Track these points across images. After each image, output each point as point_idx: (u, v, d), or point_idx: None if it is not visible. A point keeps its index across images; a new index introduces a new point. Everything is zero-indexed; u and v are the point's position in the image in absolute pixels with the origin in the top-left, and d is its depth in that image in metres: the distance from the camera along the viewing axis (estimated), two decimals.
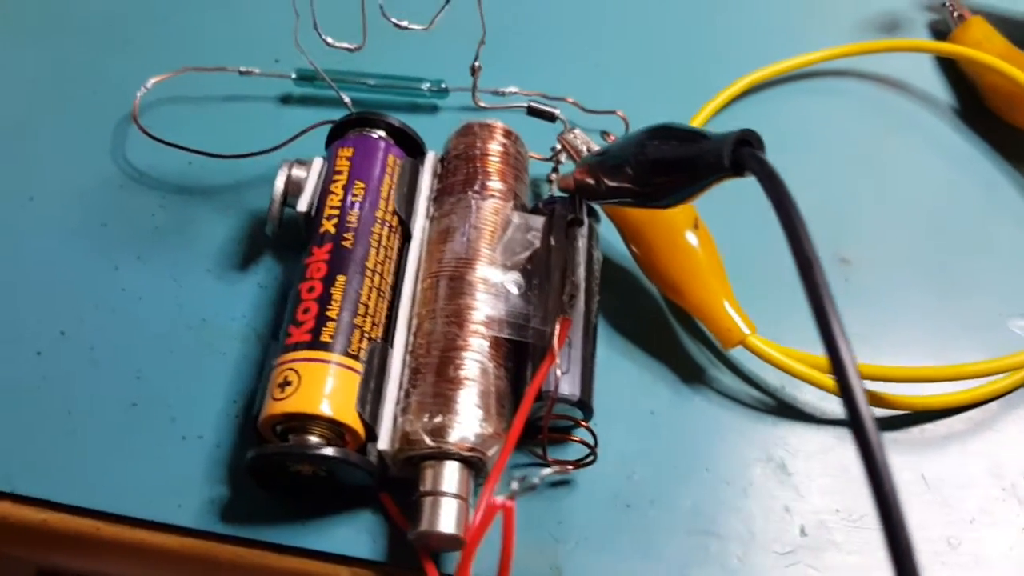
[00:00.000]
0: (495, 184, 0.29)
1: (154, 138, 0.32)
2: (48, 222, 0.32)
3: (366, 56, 0.30)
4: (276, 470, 0.25)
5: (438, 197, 0.30)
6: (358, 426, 0.25)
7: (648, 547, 0.26)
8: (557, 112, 0.31)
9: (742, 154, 0.21)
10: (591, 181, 0.27)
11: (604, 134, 0.34)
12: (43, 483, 0.26)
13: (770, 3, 0.40)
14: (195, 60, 0.34)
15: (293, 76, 0.34)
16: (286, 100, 0.35)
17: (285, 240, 0.30)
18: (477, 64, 0.30)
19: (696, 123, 0.34)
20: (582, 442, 0.27)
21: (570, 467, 0.27)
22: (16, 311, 0.29)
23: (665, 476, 0.27)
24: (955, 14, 0.37)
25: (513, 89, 0.35)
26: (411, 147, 0.31)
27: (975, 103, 0.36)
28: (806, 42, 0.37)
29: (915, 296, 0.31)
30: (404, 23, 0.28)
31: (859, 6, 0.39)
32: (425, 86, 0.34)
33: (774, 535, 0.26)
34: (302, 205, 0.29)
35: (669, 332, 0.30)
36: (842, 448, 0.28)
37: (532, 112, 0.31)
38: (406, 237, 0.29)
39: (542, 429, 0.26)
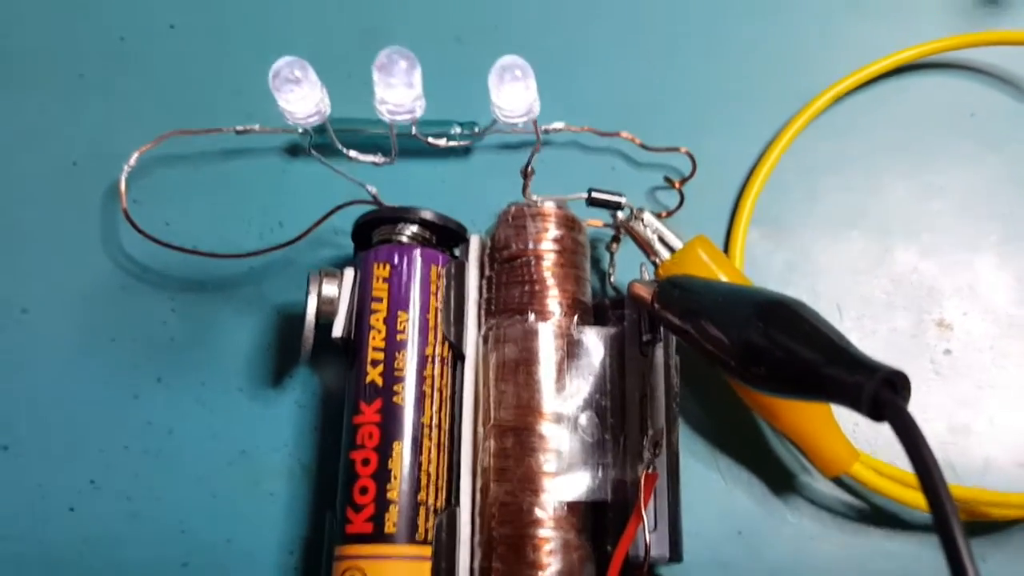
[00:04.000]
0: (554, 297, 0.25)
1: (147, 236, 0.28)
2: (48, 339, 0.28)
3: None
4: None
5: (489, 308, 0.26)
6: None
7: None
8: (623, 200, 0.26)
9: (884, 401, 0.18)
10: (671, 317, 0.23)
11: (668, 181, 0.29)
12: None
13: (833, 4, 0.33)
14: (185, 118, 0.29)
15: (300, 130, 0.29)
16: (294, 152, 0.30)
17: (320, 348, 0.27)
18: (530, 169, 0.25)
19: (783, 139, 0.29)
20: None
21: None
22: (34, 457, 0.27)
23: None
24: None
25: (559, 125, 0.29)
26: (452, 236, 0.27)
27: None
28: (890, 38, 0.31)
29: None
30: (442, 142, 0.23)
31: None
32: (456, 130, 0.29)
33: None
34: (337, 331, 0.25)
35: (751, 430, 0.27)
36: None
37: (594, 203, 0.26)
38: (457, 355, 0.26)
39: None
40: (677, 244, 0.26)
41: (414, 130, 0.24)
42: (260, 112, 0.30)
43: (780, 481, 0.27)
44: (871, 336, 0.28)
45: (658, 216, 0.28)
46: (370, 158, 0.25)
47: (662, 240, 0.26)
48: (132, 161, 0.28)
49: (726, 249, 0.29)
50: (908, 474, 0.25)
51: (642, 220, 0.26)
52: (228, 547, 0.26)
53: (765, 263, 0.29)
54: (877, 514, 0.26)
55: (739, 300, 0.21)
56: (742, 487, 0.27)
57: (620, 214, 0.27)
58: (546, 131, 0.30)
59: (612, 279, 0.28)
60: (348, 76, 0.26)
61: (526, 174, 0.25)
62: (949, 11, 0.32)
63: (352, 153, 0.25)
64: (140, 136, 0.29)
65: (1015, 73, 0.31)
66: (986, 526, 0.26)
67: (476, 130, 0.30)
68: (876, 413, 0.18)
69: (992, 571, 0.26)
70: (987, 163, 0.30)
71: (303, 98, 0.23)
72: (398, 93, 0.22)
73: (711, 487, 0.27)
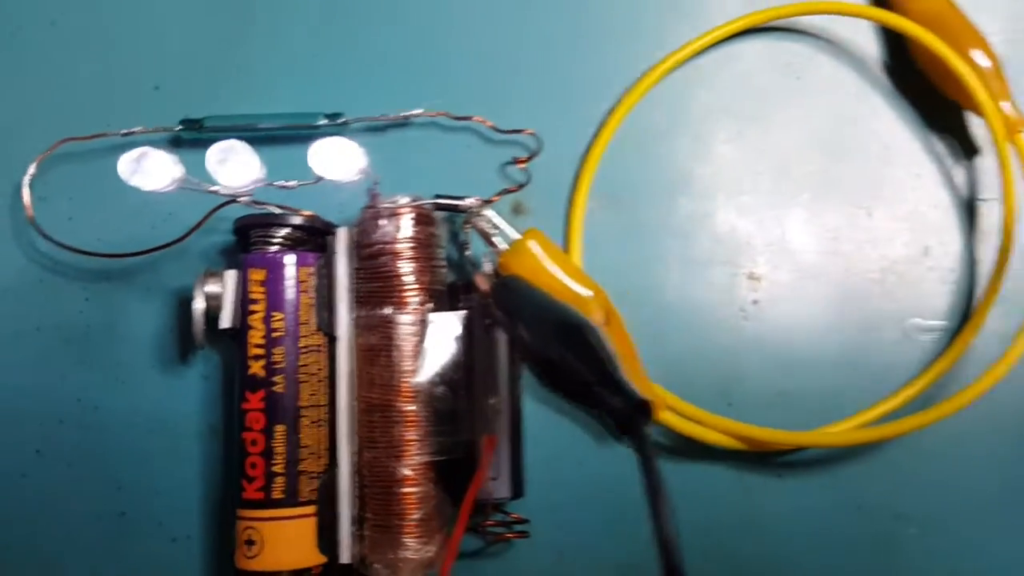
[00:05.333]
0: (410, 288, 0.29)
1: (51, 240, 0.31)
2: None
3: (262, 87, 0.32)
4: None
5: (357, 298, 0.30)
6: (321, 559, 0.29)
7: None
8: (463, 203, 0.30)
9: (634, 422, 0.22)
10: (499, 314, 0.28)
11: (515, 160, 0.33)
12: None
13: None
14: (77, 121, 0.32)
15: (178, 128, 0.32)
16: (177, 143, 0.33)
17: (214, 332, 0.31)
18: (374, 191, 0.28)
19: (619, 114, 0.32)
20: (519, 520, 0.31)
21: (509, 535, 0.31)
22: None
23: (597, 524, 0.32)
24: None
25: (418, 111, 0.32)
26: (324, 231, 0.31)
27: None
28: (721, 8, 0.33)
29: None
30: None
31: None
32: (321, 121, 0.32)
33: None
34: (224, 323, 0.30)
35: None
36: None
37: (439, 208, 0.30)
38: (334, 338, 0.30)
39: (483, 531, 0.30)
40: (515, 236, 0.30)
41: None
42: (147, 109, 0.33)
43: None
44: (692, 289, 0.33)
45: (508, 191, 0.32)
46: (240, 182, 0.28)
47: (501, 233, 0.30)
48: (32, 170, 0.32)
49: (568, 221, 0.33)
50: (710, 415, 0.31)
51: (485, 216, 0.30)
52: (158, 498, 0.32)
53: (604, 232, 0.33)
54: (689, 446, 0.32)
55: (547, 316, 0.26)
56: (586, 429, 0.32)
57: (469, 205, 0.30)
58: (407, 119, 0.33)
59: (468, 253, 0.32)
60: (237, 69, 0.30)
61: (373, 196, 0.28)
62: None
63: (218, 189, 0.28)
64: (41, 135, 0.32)
65: (841, 36, 0.34)
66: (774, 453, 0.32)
67: (342, 119, 0.32)
68: (625, 429, 0.23)
69: (782, 487, 0.32)
70: (809, 125, 0.34)
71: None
72: (237, 177, 0.26)
73: (559, 432, 0.32)
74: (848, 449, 0.32)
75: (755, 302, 0.33)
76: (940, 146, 0.33)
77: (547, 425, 0.32)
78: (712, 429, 0.31)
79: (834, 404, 0.32)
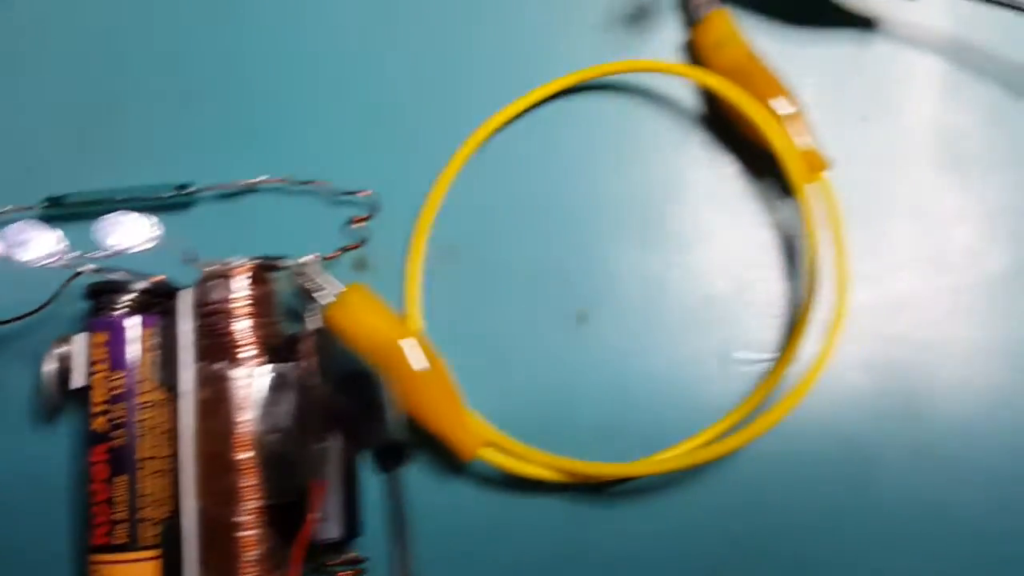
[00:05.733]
0: (243, 344, 0.32)
1: None
2: None
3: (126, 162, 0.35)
4: None
5: (198, 355, 0.32)
6: None
7: None
8: (282, 263, 0.32)
9: (392, 460, 0.24)
10: (315, 363, 0.30)
11: (353, 221, 0.35)
12: None
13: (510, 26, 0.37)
14: None
15: (44, 204, 0.35)
16: (47, 219, 0.36)
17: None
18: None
19: (451, 170, 0.35)
20: (356, 559, 0.33)
21: (348, 573, 0.33)
22: None
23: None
24: (696, 4, 0.35)
25: (263, 178, 0.35)
26: (167, 292, 0.33)
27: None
28: (555, 65, 0.36)
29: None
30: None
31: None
32: (168, 194, 0.35)
33: None
34: (74, 383, 0.32)
35: None
36: None
37: (262, 268, 0.32)
38: (174, 395, 0.32)
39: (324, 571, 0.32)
40: (338, 289, 0.32)
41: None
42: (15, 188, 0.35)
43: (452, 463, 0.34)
44: (525, 329, 0.35)
45: (348, 248, 0.34)
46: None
47: (323, 287, 0.32)
48: None
49: (406, 273, 0.35)
50: (531, 451, 0.33)
51: (306, 273, 0.32)
52: (30, 549, 0.34)
53: (442, 282, 0.35)
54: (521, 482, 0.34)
55: (340, 366, 0.28)
56: (427, 467, 0.34)
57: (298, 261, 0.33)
58: (255, 186, 0.35)
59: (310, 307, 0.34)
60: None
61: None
62: (603, 40, 0.37)
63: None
64: None
65: (663, 92, 0.36)
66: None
67: (190, 189, 0.35)
68: (385, 466, 0.25)
69: (613, 517, 0.33)
70: (635, 174, 0.36)
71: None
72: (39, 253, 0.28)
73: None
74: (675, 477, 0.33)
75: (583, 338, 0.35)
76: (757, 189, 0.35)
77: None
78: (537, 464, 0.33)
79: (660, 435, 0.34)
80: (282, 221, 0.35)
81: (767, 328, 0.34)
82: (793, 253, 0.35)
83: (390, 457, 0.24)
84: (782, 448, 0.33)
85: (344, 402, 0.26)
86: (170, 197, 0.35)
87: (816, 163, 0.33)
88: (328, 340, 0.30)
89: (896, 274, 0.35)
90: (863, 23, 0.36)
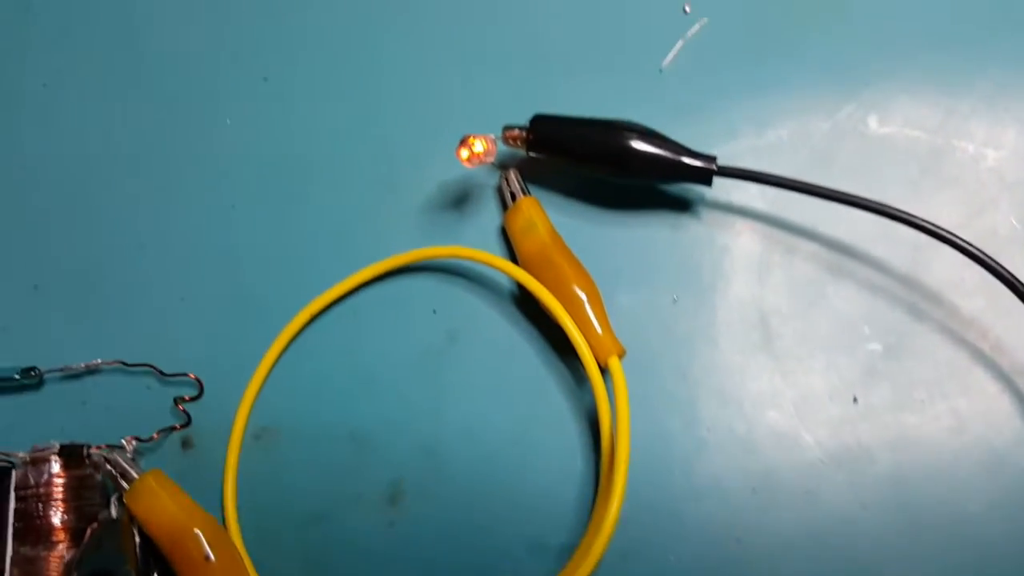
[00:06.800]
0: (55, 527, 0.33)
1: None
2: None
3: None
4: None
5: (14, 537, 0.34)
6: None
7: None
8: (96, 450, 0.34)
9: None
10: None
11: (176, 401, 0.37)
12: None
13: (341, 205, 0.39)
14: None
15: None
16: None
17: None
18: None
19: (272, 355, 0.37)
20: None
21: None
22: None
23: None
24: (509, 192, 0.37)
25: (98, 361, 0.37)
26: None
27: None
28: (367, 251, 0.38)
29: None
30: None
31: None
32: (15, 377, 0.37)
33: None
34: None
35: None
36: None
37: (71, 454, 0.34)
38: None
39: None
40: (136, 476, 0.34)
41: None
42: None
43: None
44: (342, 509, 0.35)
45: (173, 429, 0.36)
46: None
47: (129, 473, 0.34)
48: None
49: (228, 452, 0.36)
50: None
51: (111, 459, 0.34)
52: None
53: (258, 463, 0.36)
54: None
55: (93, 563, 0.29)
56: None
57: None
58: (92, 366, 0.38)
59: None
60: None
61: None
62: (421, 227, 0.38)
63: None
64: None
65: (484, 275, 0.37)
66: None
67: (35, 372, 0.38)
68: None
69: None
70: (448, 355, 0.37)
71: None
72: None
73: None
74: None
75: (391, 524, 0.35)
76: (566, 372, 0.36)
77: None
78: None
79: None
80: (122, 401, 0.37)
81: (570, 514, 0.34)
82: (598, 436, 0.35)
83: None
84: None
85: None
86: (16, 381, 0.37)
87: (607, 348, 0.34)
88: (111, 530, 0.32)
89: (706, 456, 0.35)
90: (678, 205, 0.37)
